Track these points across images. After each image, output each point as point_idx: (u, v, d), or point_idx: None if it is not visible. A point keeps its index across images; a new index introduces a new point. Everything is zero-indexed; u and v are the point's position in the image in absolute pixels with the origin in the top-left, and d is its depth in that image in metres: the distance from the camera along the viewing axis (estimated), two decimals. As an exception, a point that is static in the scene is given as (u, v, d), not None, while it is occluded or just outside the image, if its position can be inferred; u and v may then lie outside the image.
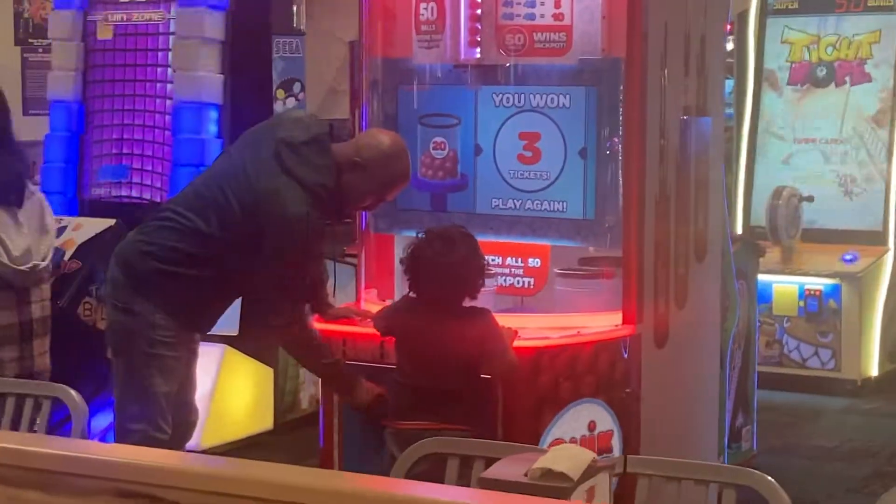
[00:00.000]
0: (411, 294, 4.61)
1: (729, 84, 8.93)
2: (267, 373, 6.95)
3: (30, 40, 12.72)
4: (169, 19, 6.76)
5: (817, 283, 8.05)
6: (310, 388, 7.02)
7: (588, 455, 2.55)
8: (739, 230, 8.52)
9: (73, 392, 3.72)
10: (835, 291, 7.99)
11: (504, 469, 2.61)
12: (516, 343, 4.64)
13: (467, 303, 4.56)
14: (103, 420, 6.09)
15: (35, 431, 3.72)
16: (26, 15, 13.11)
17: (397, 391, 4.63)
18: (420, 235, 4.60)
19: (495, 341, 4.53)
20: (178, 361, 4.72)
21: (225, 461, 1.82)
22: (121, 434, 4.76)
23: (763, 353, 7.99)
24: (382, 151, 4.73)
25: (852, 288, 7.97)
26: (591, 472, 2.53)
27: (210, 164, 5.56)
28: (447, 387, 4.48)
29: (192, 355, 4.87)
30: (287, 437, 6.92)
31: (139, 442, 4.62)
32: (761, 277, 7.34)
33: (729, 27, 8.89)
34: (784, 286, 8.11)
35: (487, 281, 5.10)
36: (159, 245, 4.70)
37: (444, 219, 5.17)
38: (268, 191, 4.60)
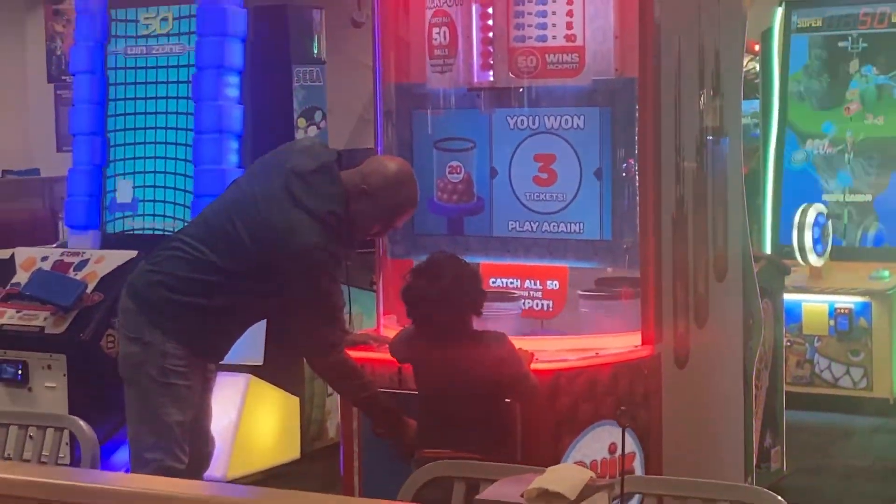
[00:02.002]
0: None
1: (756, 104, 8.93)
2: (293, 402, 6.93)
3: (63, 77, 12.84)
4: (189, 50, 6.79)
5: (847, 302, 7.97)
6: (337, 416, 6.99)
7: (585, 474, 2.52)
8: (769, 249, 8.47)
9: (82, 423, 3.72)
10: (865, 309, 7.92)
11: (501, 490, 2.59)
12: (534, 366, 4.61)
13: (478, 325, 4.54)
14: (127, 453, 6.08)
15: (44, 463, 3.71)
16: (59, 52, 13.23)
17: (419, 418, 4.61)
18: (406, 276, 4.62)
19: (515, 366, 4.51)
20: (191, 390, 4.71)
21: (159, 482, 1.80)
22: (137, 465, 4.75)
23: (794, 373, 7.93)
24: (388, 178, 4.72)
25: (882, 305, 7.89)
26: (588, 491, 2.50)
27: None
28: (468, 413, 4.46)
29: (206, 384, 4.86)
30: (315, 465, 6.91)
31: (155, 472, 4.60)
32: (790, 297, 7.30)
33: (757, 47, 8.93)
34: (814, 305, 8.04)
35: (510, 304, 5.09)
36: (169, 274, 4.70)
37: (461, 242, 5.17)
38: (278, 223, 4.59)
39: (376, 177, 4.71)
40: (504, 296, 5.18)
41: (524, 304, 5.24)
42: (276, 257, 4.59)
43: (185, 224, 6.38)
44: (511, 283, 5.25)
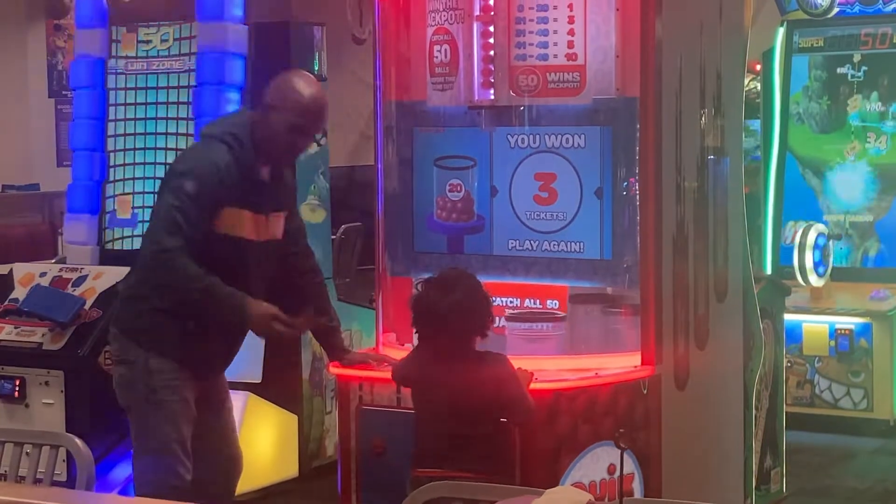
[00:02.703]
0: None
1: (757, 123, 8.92)
2: (291, 420, 6.91)
3: (63, 92, 12.84)
4: (189, 66, 6.78)
5: (848, 322, 7.95)
6: (335, 434, 6.97)
7: (583, 497, 2.50)
8: (769, 269, 8.45)
9: (78, 441, 3.71)
10: (865, 330, 7.90)
11: (499, 512, 2.57)
12: (533, 385, 4.60)
13: (481, 346, 4.53)
14: (124, 470, 6.06)
15: (40, 480, 3.70)
16: (60, 67, 13.24)
17: (417, 438, 4.59)
18: (419, 285, 4.61)
19: (513, 386, 4.49)
20: (186, 404, 4.70)
21: None
22: (140, 485, 4.74)
23: (794, 393, 7.92)
24: (290, 85, 4.77)
25: (883, 326, 7.87)
26: (586, 514, 2.48)
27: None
28: (466, 433, 4.44)
29: (220, 405, 4.88)
30: (313, 484, 6.89)
31: (157, 491, 4.59)
32: (791, 317, 7.28)
33: (758, 67, 8.92)
34: (814, 325, 8.02)
35: (523, 325, 5.06)
36: (134, 284, 4.80)
37: (462, 261, 5.16)
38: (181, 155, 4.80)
39: (278, 88, 4.78)
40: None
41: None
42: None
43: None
44: (511, 301, 5.23)
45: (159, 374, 4.65)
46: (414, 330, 4.63)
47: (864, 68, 8.52)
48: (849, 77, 8.57)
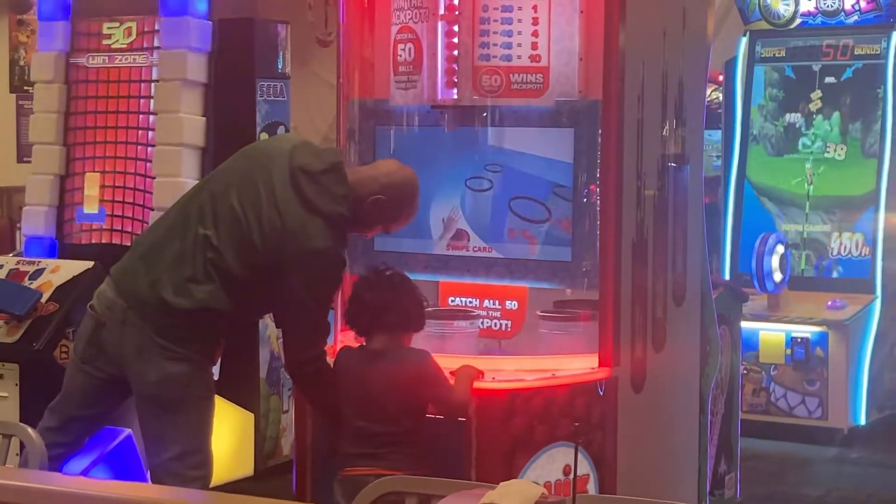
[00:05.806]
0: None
1: (718, 134, 8.96)
2: (248, 418, 6.89)
3: (25, 87, 12.77)
4: (153, 64, 6.76)
5: (804, 331, 8.01)
6: (291, 433, 6.96)
7: (536, 490, 2.50)
8: (727, 276, 8.50)
9: (30, 431, 3.68)
10: (822, 339, 7.95)
11: (452, 504, 2.57)
12: (490, 385, 4.61)
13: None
14: (78, 465, 6.02)
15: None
16: (22, 62, 13.17)
17: (344, 438, 4.59)
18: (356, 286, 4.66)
19: (434, 385, 4.51)
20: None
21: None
22: (179, 485, 4.65)
23: (750, 400, 7.96)
24: (405, 190, 4.69)
25: (839, 336, 7.93)
26: (539, 507, 2.48)
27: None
28: (389, 430, 4.46)
29: None
30: (268, 483, 6.87)
31: (191, 485, 4.56)
32: (748, 325, 7.34)
33: (720, 77, 8.96)
34: (771, 333, 8.08)
35: (469, 323, 5.08)
36: (227, 304, 4.63)
37: (422, 260, 5.16)
38: (291, 226, 4.47)
39: (394, 189, 4.64)
40: (463, 314, 5.17)
41: (482, 323, 5.22)
42: (291, 260, 4.47)
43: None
44: (470, 301, 5.24)
45: (209, 372, 4.68)
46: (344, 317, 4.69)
47: (820, 105, 8.55)
48: (807, 108, 8.61)
